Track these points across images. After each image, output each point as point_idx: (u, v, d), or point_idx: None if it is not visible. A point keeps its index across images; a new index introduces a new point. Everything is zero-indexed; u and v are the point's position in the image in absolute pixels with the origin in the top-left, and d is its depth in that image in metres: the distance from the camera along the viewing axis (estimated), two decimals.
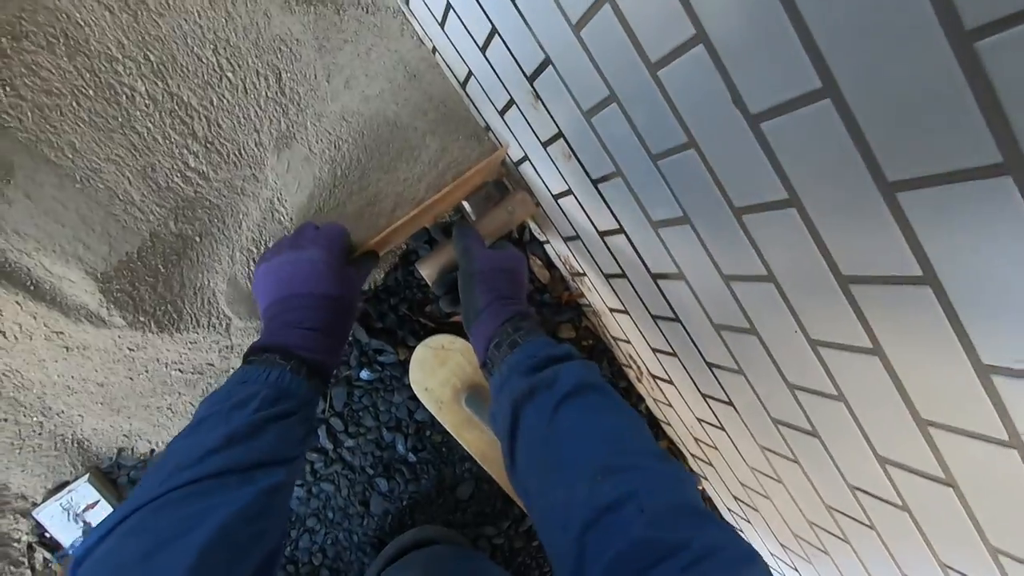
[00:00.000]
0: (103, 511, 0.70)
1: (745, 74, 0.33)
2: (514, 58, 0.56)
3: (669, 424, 0.93)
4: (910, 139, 0.26)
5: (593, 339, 0.93)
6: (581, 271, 0.81)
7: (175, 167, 0.66)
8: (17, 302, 0.60)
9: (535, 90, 0.57)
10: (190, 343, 0.68)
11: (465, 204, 0.81)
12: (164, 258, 0.67)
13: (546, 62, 0.50)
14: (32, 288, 0.60)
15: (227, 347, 0.71)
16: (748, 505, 0.81)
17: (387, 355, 0.81)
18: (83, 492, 0.69)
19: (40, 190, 0.61)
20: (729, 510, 0.91)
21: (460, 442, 0.84)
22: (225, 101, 0.67)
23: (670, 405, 0.86)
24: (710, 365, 0.62)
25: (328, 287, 0.57)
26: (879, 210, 0.30)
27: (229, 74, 0.67)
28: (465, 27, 0.60)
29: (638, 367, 0.88)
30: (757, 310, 0.47)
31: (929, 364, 0.33)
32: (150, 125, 0.65)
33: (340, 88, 0.72)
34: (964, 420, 0.33)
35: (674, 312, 0.61)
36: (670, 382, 0.78)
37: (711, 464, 0.86)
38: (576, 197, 0.65)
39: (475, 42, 0.61)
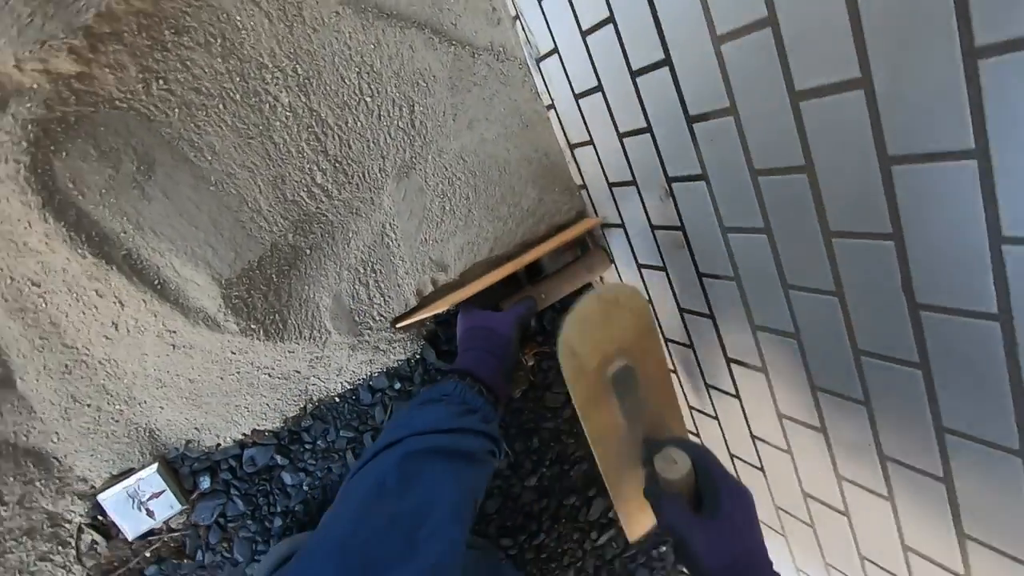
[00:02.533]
0: (167, 501, 0.71)
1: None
2: (659, 156, 0.62)
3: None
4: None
5: None
6: (648, 298, 0.89)
7: (303, 181, 0.67)
8: (143, 300, 0.59)
9: (671, 188, 0.64)
10: (288, 351, 0.70)
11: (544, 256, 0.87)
12: (278, 269, 0.68)
13: (700, 175, 0.58)
14: (159, 287, 0.60)
15: (317, 358, 0.73)
16: None
17: None
18: (150, 481, 0.69)
19: (177, 189, 0.60)
20: None
21: (582, 419, 0.69)
22: (359, 124, 0.69)
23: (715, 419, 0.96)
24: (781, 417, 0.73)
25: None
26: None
27: (368, 99, 0.69)
28: (610, 110, 0.66)
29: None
30: None
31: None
32: (287, 137, 0.65)
33: (463, 128, 0.75)
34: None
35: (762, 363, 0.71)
36: (713, 418, 0.89)
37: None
38: (667, 272, 0.73)
39: (615, 127, 0.66)
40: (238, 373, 0.70)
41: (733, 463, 0.83)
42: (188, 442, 0.73)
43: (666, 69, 0.55)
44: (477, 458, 0.56)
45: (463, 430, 0.56)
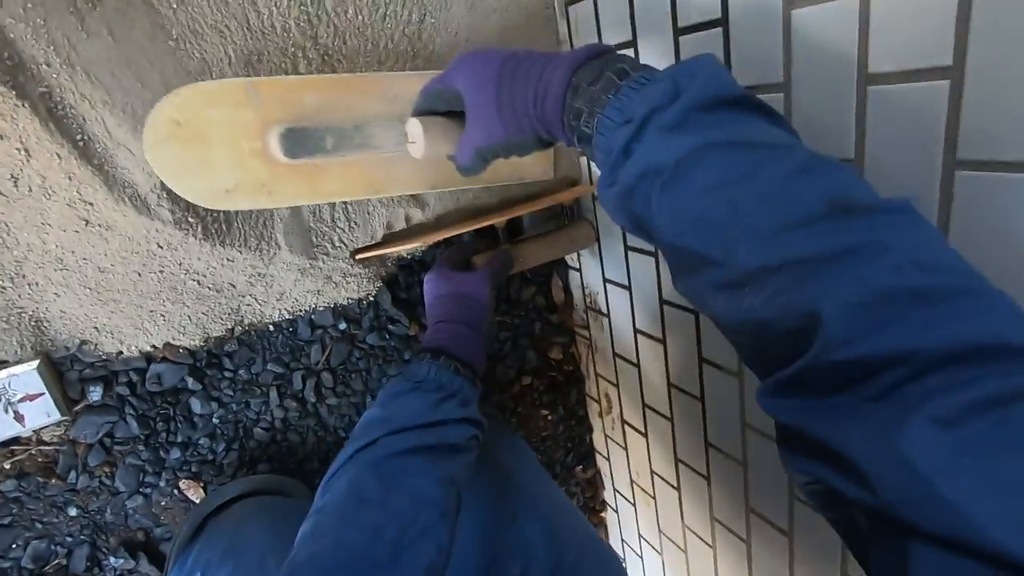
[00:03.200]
0: (44, 408, 0.59)
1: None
2: None
3: (608, 459, 1.02)
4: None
5: (574, 366, 0.99)
6: (605, 312, 0.85)
7: (282, 66, 0.58)
8: (58, 154, 0.48)
9: None
10: (227, 259, 0.60)
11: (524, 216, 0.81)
12: None
13: None
14: (81, 144, 0.49)
15: (259, 275, 0.64)
16: (656, 549, 0.92)
17: (399, 327, 0.78)
18: (26, 379, 0.57)
19: (128, 33, 0.49)
20: (640, 545, 1.02)
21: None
22: (360, 18, 0.60)
23: (624, 448, 0.94)
24: (710, 445, 0.71)
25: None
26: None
27: None
28: None
29: (608, 407, 0.95)
30: None
31: None
32: (274, 9, 0.56)
33: None
34: None
35: (701, 395, 0.69)
36: (644, 435, 0.87)
37: (634, 504, 0.96)
38: (657, 259, 0.69)
39: None
40: (161, 272, 0.59)
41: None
42: (83, 343, 0.61)
43: (719, 31, 0.50)
44: (461, 447, 0.51)
45: (443, 422, 0.50)
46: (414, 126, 0.47)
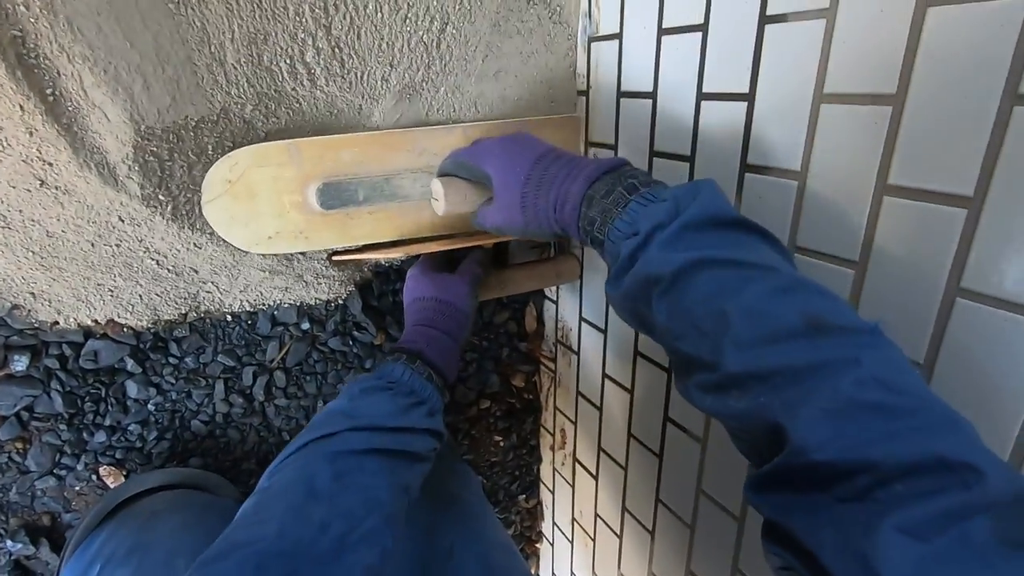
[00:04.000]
0: None
1: None
2: None
3: (552, 492, 1.01)
4: None
5: (534, 395, 0.97)
6: (575, 350, 0.84)
7: (289, 51, 0.54)
8: (21, 105, 0.43)
9: None
10: (194, 244, 0.56)
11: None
12: (218, 142, 0.54)
13: None
14: (51, 99, 0.44)
15: (225, 267, 0.59)
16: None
17: (365, 334, 0.75)
18: None
19: None
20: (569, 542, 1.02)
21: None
22: (379, 15, 0.57)
23: (571, 486, 0.94)
24: (660, 501, 0.71)
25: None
26: None
27: None
28: (653, 122, 0.59)
29: (563, 442, 0.94)
30: None
31: None
32: None
33: (490, 73, 0.65)
34: None
35: (660, 452, 0.68)
36: (594, 477, 0.86)
37: (572, 542, 0.95)
38: None
39: (651, 143, 0.60)
40: (118, 246, 0.54)
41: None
42: (15, 307, 0.56)
43: (744, 104, 0.49)
44: (420, 457, 0.49)
45: (409, 429, 0.48)
46: (438, 187, 0.54)
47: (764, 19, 0.46)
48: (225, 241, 0.56)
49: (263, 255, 0.60)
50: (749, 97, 0.49)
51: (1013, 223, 0.33)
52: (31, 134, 0.44)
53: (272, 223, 0.58)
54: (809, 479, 0.29)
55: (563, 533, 1.00)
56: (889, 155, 0.39)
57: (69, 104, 0.45)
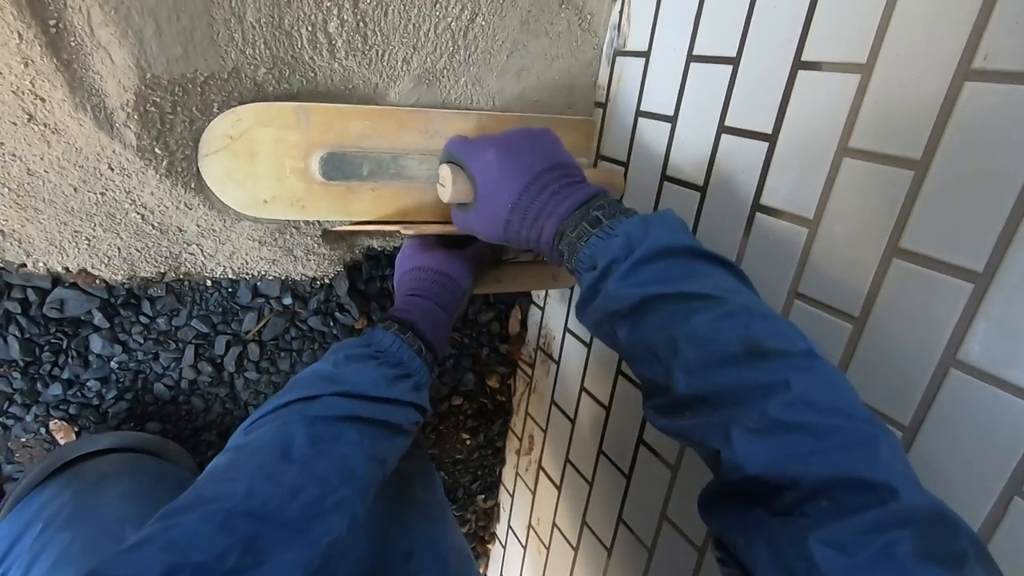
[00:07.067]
0: None
1: None
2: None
3: (512, 496, 1.01)
4: None
5: (507, 397, 0.97)
6: (555, 359, 0.84)
7: (312, 18, 0.52)
8: (20, 33, 0.40)
9: None
10: (184, 204, 0.53)
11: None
12: (225, 101, 0.51)
13: None
14: (53, 31, 0.41)
15: (214, 231, 0.57)
16: None
17: (347, 317, 0.73)
18: None
19: None
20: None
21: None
22: None
23: (532, 493, 0.94)
24: (622, 521, 0.71)
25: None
26: None
27: None
28: (669, 146, 0.59)
29: (530, 448, 0.94)
30: None
31: None
32: None
33: (512, 71, 0.64)
34: None
35: (629, 472, 0.69)
36: (557, 487, 0.86)
37: (525, 547, 0.95)
38: None
39: (664, 169, 0.60)
40: (103, 195, 0.51)
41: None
42: None
43: (765, 144, 0.50)
44: (401, 430, 0.48)
45: (394, 400, 0.47)
46: (447, 173, 0.52)
47: (798, 63, 0.46)
48: (218, 205, 0.54)
49: (254, 223, 0.58)
50: (771, 138, 0.49)
51: (1017, 305, 0.34)
52: (26, 65, 0.41)
53: (269, 187, 0.55)
54: (744, 495, 0.32)
55: (517, 538, 1.00)
56: (904, 218, 0.39)
57: (72, 39, 0.42)
